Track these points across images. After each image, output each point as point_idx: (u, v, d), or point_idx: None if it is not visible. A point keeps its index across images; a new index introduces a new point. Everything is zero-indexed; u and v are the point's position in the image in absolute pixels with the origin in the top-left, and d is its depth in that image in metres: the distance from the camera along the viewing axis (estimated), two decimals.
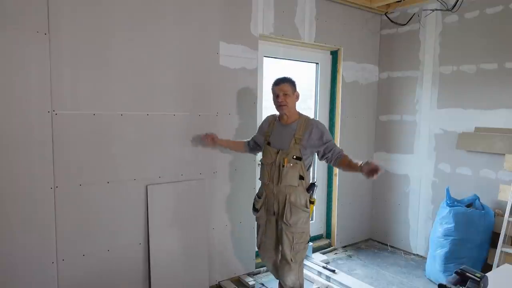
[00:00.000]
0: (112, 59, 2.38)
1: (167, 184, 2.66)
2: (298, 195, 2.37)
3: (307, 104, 3.87)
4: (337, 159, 2.37)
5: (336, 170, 3.87)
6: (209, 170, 2.90)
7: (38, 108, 2.15)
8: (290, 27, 3.31)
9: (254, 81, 3.11)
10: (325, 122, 3.87)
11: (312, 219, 3.93)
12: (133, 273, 2.58)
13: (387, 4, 3.80)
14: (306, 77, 3.82)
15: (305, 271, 3.33)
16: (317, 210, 3.95)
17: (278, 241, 2.51)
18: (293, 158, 2.35)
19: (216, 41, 2.84)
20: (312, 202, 2.42)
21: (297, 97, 2.48)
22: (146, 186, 2.58)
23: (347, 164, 2.31)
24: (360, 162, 2.20)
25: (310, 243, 3.66)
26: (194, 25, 2.71)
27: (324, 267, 3.33)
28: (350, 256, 3.79)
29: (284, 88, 2.40)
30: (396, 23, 3.84)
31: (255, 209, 2.57)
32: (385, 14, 3.92)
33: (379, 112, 4.10)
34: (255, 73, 3.11)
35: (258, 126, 3.22)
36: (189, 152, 2.77)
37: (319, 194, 3.93)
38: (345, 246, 4.01)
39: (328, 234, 4.01)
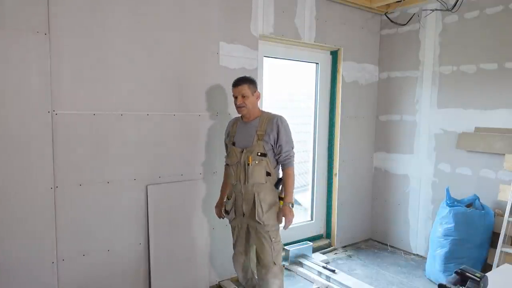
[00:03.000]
0: (112, 59, 2.38)
1: (167, 184, 2.66)
2: (267, 192, 2.35)
3: (307, 104, 3.88)
4: (283, 167, 2.39)
5: (336, 170, 3.87)
6: (209, 170, 2.90)
7: (38, 108, 2.15)
8: (290, 27, 3.31)
9: None
10: (325, 122, 3.88)
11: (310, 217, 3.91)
12: (133, 273, 2.58)
13: (387, 4, 3.80)
14: (306, 77, 3.83)
15: (305, 271, 3.33)
16: (317, 210, 3.95)
17: (248, 243, 2.51)
18: (257, 155, 2.32)
19: (216, 41, 2.84)
20: (281, 199, 2.39)
21: (258, 97, 2.43)
22: (146, 186, 2.58)
23: (284, 183, 2.38)
24: (286, 203, 2.34)
25: (310, 243, 3.66)
26: (194, 25, 2.71)
27: (324, 267, 3.33)
28: (350, 256, 3.79)
29: (242, 90, 2.35)
30: (396, 23, 3.84)
31: (226, 211, 2.53)
32: (385, 14, 3.92)
33: (379, 112, 4.11)
34: (255, 73, 3.10)
35: None
36: (189, 152, 2.77)
37: (319, 194, 3.93)
38: (345, 246, 4.01)
39: (328, 234, 4.01)
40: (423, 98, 3.68)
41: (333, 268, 3.30)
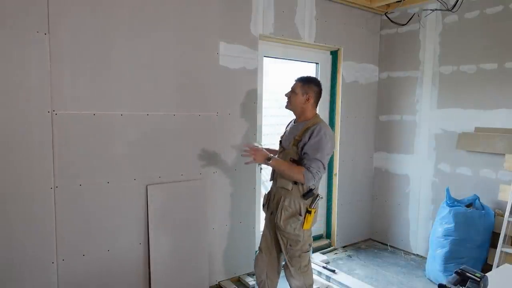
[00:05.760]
0: (112, 59, 2.38)
1: (167, 184, 2.66)
2: (293, 200, 2.28)
3: None
4: None
5: (336, 170, 3.87)
6: (209, 170, 2.90)
7: (38, 108, 2.15)
8: (290, 27, 3.31)
9: (254, 81, 3.11)
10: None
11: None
12: (133, 273, 2.58)
13: (387, 4, 3.80)
14: None
15: None
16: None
17: (269, 243, 2.48)
18: (290, 160, 2.29)
19: (216, 41, 2.84)
20: (309, 212, 2.27)
21: (308, 100, 2.32)
22: (146, 186, 2.58)
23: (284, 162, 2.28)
24: (270, 156, 2.27)
25: None
26: (194, 25, 2.71)
27: (324, 267, 3.33)
28: (350, 256, 3.79)
29: (294, 86, 2.38)
30: (396, 23, 3.83)
31: (263, 204, 2.57)
32: (385, 14, 3.92)
33: (379, 112, 4.10)
34: (255, 73, 3.10)
35: (258, 126, 3.24)
36: (189, 152, 2.77)
37: None
38: (345, 246, 4.01)
39: (328, 234, 4.01)
40: (423, 98, 3.68)
41: (333, 268, 3.30)
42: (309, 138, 2.21)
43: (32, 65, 2.12)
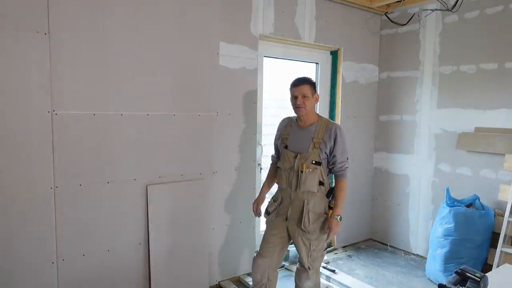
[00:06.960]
0: (112, 59, 2.38)
1: (167, 184, 2.66)
2: (317, 202, 2.30)
3: None
4: (336, 178, 2.37)
5: None
6: (209, 170, 2.90)
7: (38, 108, 2.15)
8: (290, 27, 3.31)
9: (254, 81, 3.11)
10: None
11: None
12: (133, 273, 2.58)
13: (387, 4, 3.80)
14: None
15: None
16: None
17: (277, 248, 2.45)
18: (312, 163, 2.27)
19: (216, 41, 2.84)
20: (331, 208, 2.33)
21: (317, 100, 2.37)
22: (146, 186, 2.58)
23: (335, 195, 2.35)
24: (334, 215, 2.30)
25: None
26: (194, 25, 2.71)
27: (324, 267, 3.33)
28: (350, 256, 3.79)
29: (304, 90, 2.29)
30: (396, 23, 3.84)
31: (267, 212, 2.48)
32: (385, 14, 3.92)
33: (379, 112, 4.10)
34: (255, 73, 3.11)
35: (258, 126, 3.24)
36: (189, 152, 2.77)
37: None
38: (345, 246, 4.01)
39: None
40: (423, 98, 3.68)
41: (333, 268, 3.30)
42: (335, 141, 2.29)
43: (32, 65, 2.12)
